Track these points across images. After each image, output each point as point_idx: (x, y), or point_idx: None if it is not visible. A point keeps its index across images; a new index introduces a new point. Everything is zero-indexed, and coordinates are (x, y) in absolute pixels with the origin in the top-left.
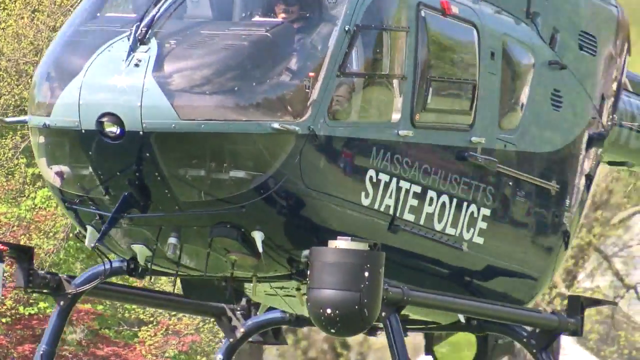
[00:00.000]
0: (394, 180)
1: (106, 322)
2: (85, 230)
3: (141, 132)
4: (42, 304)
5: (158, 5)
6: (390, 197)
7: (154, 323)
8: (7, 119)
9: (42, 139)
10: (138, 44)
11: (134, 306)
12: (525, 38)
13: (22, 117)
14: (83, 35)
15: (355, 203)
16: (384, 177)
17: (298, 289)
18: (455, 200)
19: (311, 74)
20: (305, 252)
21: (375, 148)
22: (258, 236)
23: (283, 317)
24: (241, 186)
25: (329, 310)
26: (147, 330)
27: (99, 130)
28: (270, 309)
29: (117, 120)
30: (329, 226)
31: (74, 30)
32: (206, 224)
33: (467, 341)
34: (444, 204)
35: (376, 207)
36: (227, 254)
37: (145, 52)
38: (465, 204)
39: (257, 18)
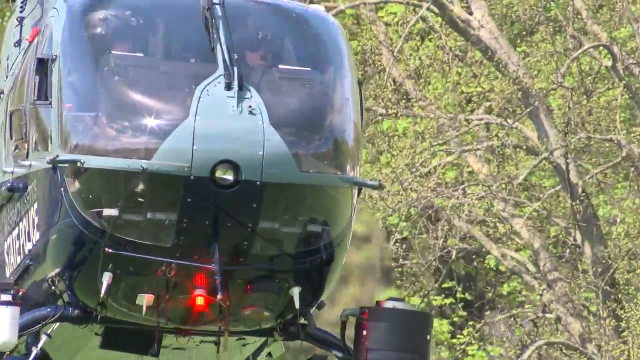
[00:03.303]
0: None
1: None
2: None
3: (258, 182)
4: None
5: (223, 49)
6: None
7: None
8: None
9: (124, 181)
10: (240, 90)
11: None
12: None
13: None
14: (152, 75)
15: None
16: None
17: (217, 343)
18: None
19: (352, 125)
20: (349, 311)
21: None
22: (296, 292)
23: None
24: (320, 240)
25: None
26: None
27: (211, 178)
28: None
29: (233, 168)
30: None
31: (131, 67)
32: (248, 277)
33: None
34: None
35: None
36: (241, 309)
37: (250, 98)
38: None
39: (288, 65)
